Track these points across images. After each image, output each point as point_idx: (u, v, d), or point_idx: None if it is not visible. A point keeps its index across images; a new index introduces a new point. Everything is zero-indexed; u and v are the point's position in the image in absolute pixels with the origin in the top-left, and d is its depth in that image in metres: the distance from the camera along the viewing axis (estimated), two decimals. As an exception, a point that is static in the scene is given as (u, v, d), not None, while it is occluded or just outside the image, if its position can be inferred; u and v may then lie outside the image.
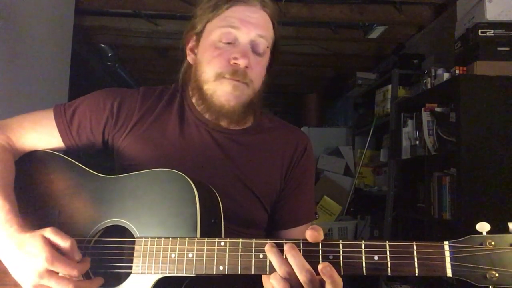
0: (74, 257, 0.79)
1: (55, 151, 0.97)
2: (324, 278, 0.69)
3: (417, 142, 2.82)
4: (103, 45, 4.03)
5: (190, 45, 1.03)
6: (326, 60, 4.46)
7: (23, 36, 2.21)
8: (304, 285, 0.69)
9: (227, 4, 0.95)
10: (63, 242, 0.78)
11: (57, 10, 2.64)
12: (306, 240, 0.72)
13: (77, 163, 0.94)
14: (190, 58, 1.03)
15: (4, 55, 2.05)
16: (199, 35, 1.00)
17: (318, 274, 0.70)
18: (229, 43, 0.94)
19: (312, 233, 0.71)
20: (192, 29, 1.01)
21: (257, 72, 0.97)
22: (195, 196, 0.80)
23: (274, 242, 0.72)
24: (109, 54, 4.17)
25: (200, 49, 0.99)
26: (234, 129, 1.01)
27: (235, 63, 0.93)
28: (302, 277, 0.69)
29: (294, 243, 0.72)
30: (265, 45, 0.97)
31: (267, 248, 0.72)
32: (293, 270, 0.70)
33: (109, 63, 4.29)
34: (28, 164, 0.96)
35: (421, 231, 2.79)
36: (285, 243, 0.72)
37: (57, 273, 0.77)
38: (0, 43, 2.01)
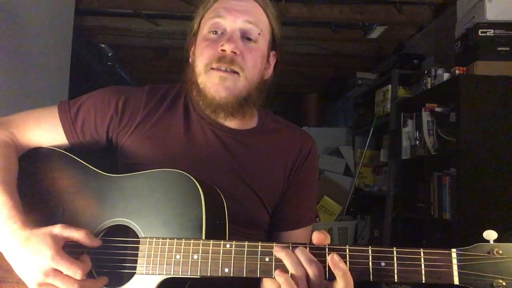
0: (93, 244, 0.80)
1: (58, 148, 0.96)
2: (335, 271, 0.69)
3: (417, 142, 2.82)
4: (103, 45, 4.03)
5: (193, 48, 1.03)
6: (326, 60, 4.46)
7: (23, 36, 2.20)
8: (312, 277, 0.70)
9: None
10: (77, 233, 0.79)
11: (57, 10, 2.63)
12: (313, 244, 0.72)
13: (81, 161, 0.93)
14: (191, 59, 1.03)
15: (4, 55, 2.05)
16: (195, 34, 1.01)
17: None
18: (217, 33, 0.95)
19: (318, 236, 0.72)
20: (190, 32, 1.03)
21: (250, 59, 0.95)
22: (200, 197, 0.80)
23: (281, 245, 0.73)
24: (109, 54, 4.17)
25: (196, 47, 1.00)
26: (238, 129, 1.01)
27: (222, 50, 0.92)
28: (310, 269, 0.69)
29: (300, 246, 0.72)
30: (256, 31, 0.96)
31: (276, 249, 0.72)
32: (302, 266, 0.70)
33: (109, 63, 4.29)
34: (32, 161, 0.95)
35: (421, 231, 2.80)
36: (292, 246, 0.72)
37: (62, 272, 0.77)
38: (0, 43, 2.01)
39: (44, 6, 2.44)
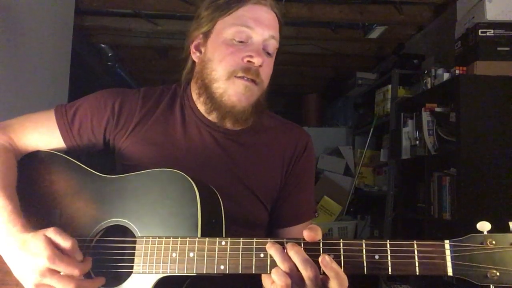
0: (75, 257, 0.79)
1: (56, 151, 0.97)
2: (326, 271, 0.69)
3: (417, 142, 2.82)
4: (103, 45, 4.03)
5: (196, 42, 1.01)
6: (326, 60, 4.46)
7: (23, 36, 2.21)
8: (307, 280, 0.69)
9: (240, 3, 0.95)
10: (64, 242, 0.78)
11: (57, 10, 2.63)
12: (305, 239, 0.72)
13: (78, 163, 0.94)
14: (195, 56, 1.02)
15: (4, 55, 2.05)
16: (207, 33, 0.99)
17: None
18: (241, 42, 0.94)
19: (309, 234, 0.71)
20: (198, 28, 1.00)
21: (267, 72, 0.98)
22: (196, 195, 0.80)
23: (275, 241, 0.73)
24: (109, 54, 4.17)
25: (209, 47, 0.98)
26: (234, 129, 1.01)
27: (249, 61, 0.93)
28: (306, 272, 0.69)
29: (295, 242, 0.72)
30: (275, 46, 0.98)
31: (268, 245, 0.72)
32: (295, 267, 0.70)
33: (109, 63, 4.29)
34: (30, 165, 0.96)
35: (421, 231, 2.80)
36: (286, 242, 0.72)
37: (59, 272, 0.77)
38: (0, 43, 2.01)
39: (44, 6, 2.44)
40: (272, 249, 0.71)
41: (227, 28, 0.95)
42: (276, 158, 1.02)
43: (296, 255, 0.70)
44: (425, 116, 2.67)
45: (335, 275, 0.69)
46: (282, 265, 0.70)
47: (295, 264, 0.70)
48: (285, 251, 0.71)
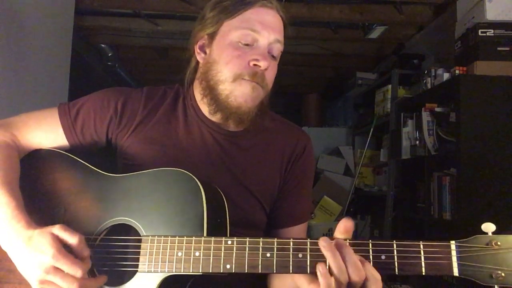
0: (82, 253, 0.80)
1: (59, 149, 0.97)
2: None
3: (417, 142, 2.82)
4: (103, 45, 4.03)
5: (200, 43, 1.01)
6: (326, 60, 4.47)
7: (23, 36, 2.21)
8: (355, 285, 0.69)
9: (246, 5, 0.95)
10: (71, 238, 0.79)
11: (57, 10, 2.63)
12: (311, 239, 0.73)
13: (82, 161, 0.94)
14: (199, 57, 1.01)
15: (4, 55, 2.05)
16: (212, 35, 0.98)
17: None
18: (247, 45, 0.94)
19: (346, 224, 0.72)
20: (203, 29, 0.99)
21: (272, 75, 0.98)
22: (202, 195, 0.80)
23: (282, 241, 0.73)
24: (109, 54, 4.17)
25: (215, 49, 0.97)
26: (235, 130, 1.01)
27: (255, 65, 0.93)
28: (355, 276, 0.68)
29: (301, 241, 0.72)
30: (279, 49, 0.98)
31: (322, 243, 0.70)
32: (345, 266, 0.69)
33: (109, 63, 4.29)
34: (33, 162, 0.96)
35: (421, 231, 2.80)
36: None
37: (63, 270, 0.77)
38: (0, 43, 2.01)
39: (44, 6, 2.43)
40: (329, 253, 0.70)
41: (234, 30, 0.95)
42: (275, 159, 1.03)
43: (348, 256, 0.69)
44: (425, 116, 2.67)
45: (373, 278, 0.69)
46: (333, 262, 0.69)
47: (345, 264, 0.69)
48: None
